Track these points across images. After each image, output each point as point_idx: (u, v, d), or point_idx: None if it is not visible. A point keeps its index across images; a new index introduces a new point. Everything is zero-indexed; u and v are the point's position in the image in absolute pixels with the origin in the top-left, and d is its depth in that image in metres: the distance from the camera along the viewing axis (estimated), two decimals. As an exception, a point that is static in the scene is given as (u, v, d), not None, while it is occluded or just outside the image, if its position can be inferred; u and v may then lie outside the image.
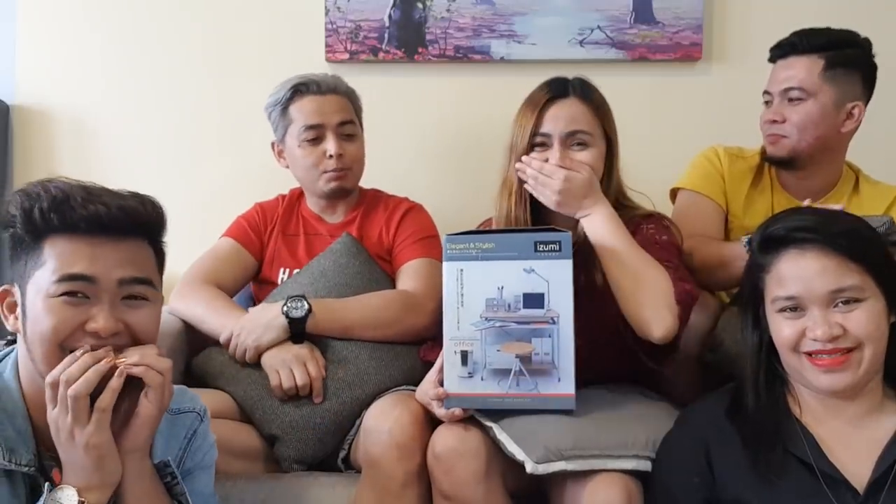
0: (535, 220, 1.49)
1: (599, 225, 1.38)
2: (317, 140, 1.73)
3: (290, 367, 1.50)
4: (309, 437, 1.50)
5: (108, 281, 1.00)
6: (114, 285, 1.00)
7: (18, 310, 1.03)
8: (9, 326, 1.05)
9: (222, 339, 1.59)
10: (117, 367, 0.98)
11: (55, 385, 0.96)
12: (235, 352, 1.56)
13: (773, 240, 1.16)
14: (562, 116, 1.45)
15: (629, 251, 1.36)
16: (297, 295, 1.56)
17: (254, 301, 1.80)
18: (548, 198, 1.40)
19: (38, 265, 1.00)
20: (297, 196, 1.86)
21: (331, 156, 1.72)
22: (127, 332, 1.02)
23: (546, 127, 1.45)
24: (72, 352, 0.99)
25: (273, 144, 1.83)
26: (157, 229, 1.07)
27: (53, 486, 1.00)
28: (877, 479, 1.09)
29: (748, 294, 1.21)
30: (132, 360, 0.99)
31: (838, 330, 1.09)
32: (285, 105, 1.75)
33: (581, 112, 1.46)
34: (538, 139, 1.46)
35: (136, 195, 1.06)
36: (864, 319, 1.09)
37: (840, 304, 1.10)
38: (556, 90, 1.48)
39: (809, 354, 1.11)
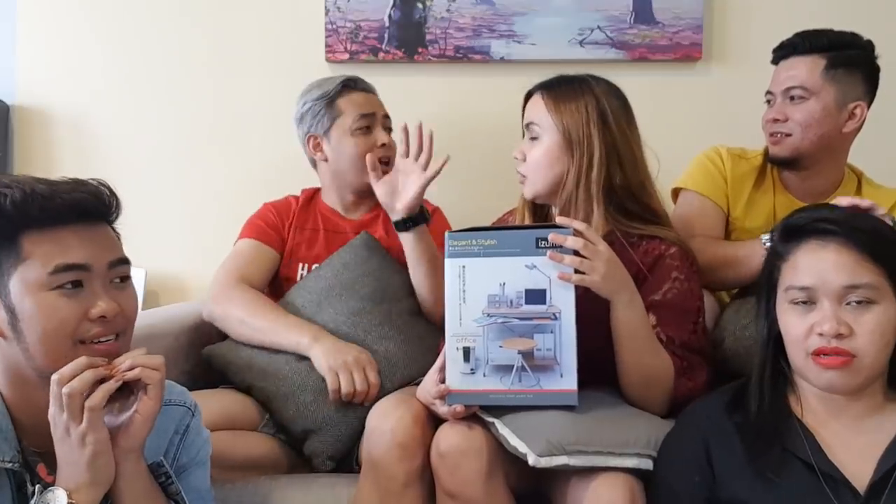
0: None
1: (625, 308, 1.32)
2: (368, 130, 1.79)
3: (350, 370, 1.51)
4: (342, 433, 1.52)
5: (99, 265, 1.02)
6: (104, 268, 1.03)
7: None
8: None
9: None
10: (113, 375, 0.99)
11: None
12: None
13: (794, 229, 1.16)
14: (527, 109, 1.51)
15: (644, 344, 1.34)
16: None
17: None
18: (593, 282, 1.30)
19: (18, 262, 0.99)
20: (312, 195, 1.89)
21: (383, 144, 1.78)
22: (122, 312, 1.04)
23: (525, 120, 1.51)
24: (82, 342, 1.00)
25: (309, 138, 1.83)
26: (117, 213, 1.09)
27: (39, 481, 1.00)
28: (878, 481, 1.08)
29: (763, 283, 1.21)
30: (125, 365, 1.00)
31: (845, 329, 1.09)
32: (333, 97, 1.80)
33: (536, 105, 1.48)
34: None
35: (90, 182, 1.06)
36: (871, 324, 1.09)
37: (853, 303, 1.10)
38: (530, 91, 1.53)
39: (815, 354, 1.11)
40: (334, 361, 1.52)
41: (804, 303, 1.13)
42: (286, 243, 1.82)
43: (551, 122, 1.45)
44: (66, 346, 1.00)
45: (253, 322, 1.63)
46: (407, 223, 1.63)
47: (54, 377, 0.96)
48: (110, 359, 1.01)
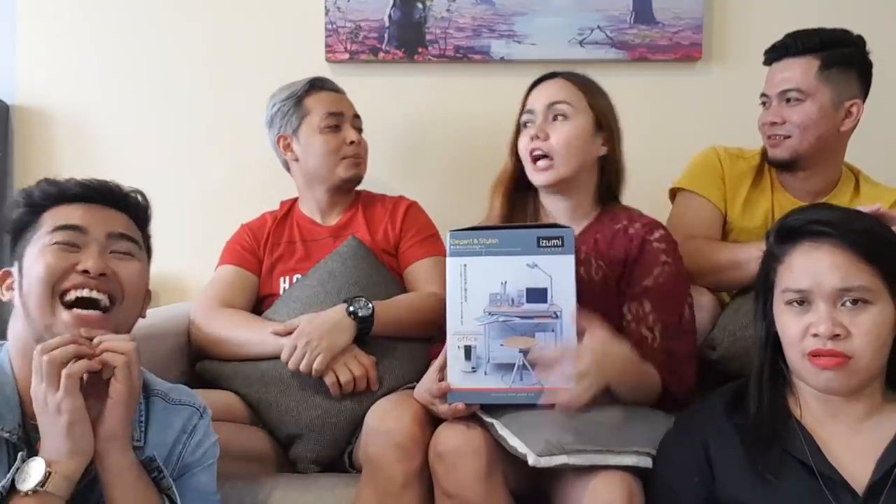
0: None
1: (620, 386, 1.32)
2: (336, 128, 1.79)
3: (342, 362, 1.49)
4: (325, 438, 1.51)
5: (97, 232, 1.11)
6: (103, 236, 1.11)
7: (15, 281, 1.11)
8: (5, 299, 1.14)
9: (284, 353, 1.52)
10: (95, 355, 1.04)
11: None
12: (302, 361, 1.50)
13: (789, 231, 1.16)
14: (544, 92, 1.51)
15: (637, 383, 1.34)
16: (354, 296, 1.56)
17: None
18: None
19: (35, 231, 1.11)
20: (289, 207, 1.88)
21: (352, 142, 1.78)
22: (115, 279, 1.10)
23: (530, 104, 1.52)
24: (66, 305, 1.07)
25: (279, 139, 1.83)
26: (141, 213, 1.20)
27: (36, 455, 1.02)
28: (877, 482, 1.08)
29: (760, 284, 1.21)
30: (101, 347, 1.04)
31: (841, 330, 1.09)
32: (301, 97, 1.80)
33: (563, 87, 1.50)
34: (524, 118, 1.52)
35: (129, 188, 1.20)
36: (867, 325, 1.09)
37: (848, 304, 1.09)
38: (545, 75, 1.54)
39: (811, 355, 1.11)
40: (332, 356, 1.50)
41: (800, 304, 1.13)
42: (262, 264, 1.80)
43: (585, 104, 1.48)
44: (49, 295, 1.06)
45: (238, 336, 1.61)
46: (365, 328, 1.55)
47: (38, 347, 1.01)
48: (91, 332, 1.06)
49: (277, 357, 1.54)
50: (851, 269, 1.09)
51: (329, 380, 1.50)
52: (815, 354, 1.10)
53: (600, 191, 1.54)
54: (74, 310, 1.07)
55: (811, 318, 1.11)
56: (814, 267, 1.11)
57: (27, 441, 1.05)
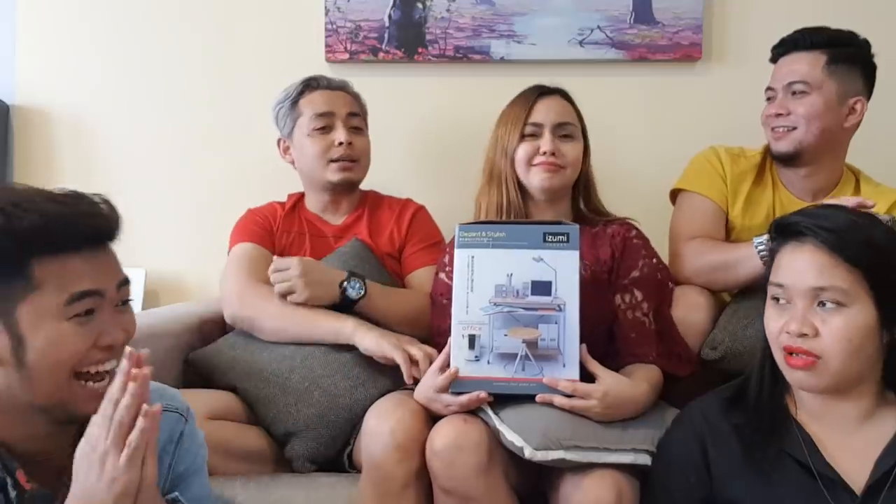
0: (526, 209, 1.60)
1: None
2: (326, 129, 1.76)
3: (409, 345, 1.48)
4: (322, 436, 1.50)
5: (110, 290, 0.99)
6: (114, 293, 1.00)
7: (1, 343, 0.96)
8: None
9: (273, 266, 1.55)
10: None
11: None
12: (283, 282, 1.53)
13: (781, 228, 1.18)
14: (552, 108, 1.58)
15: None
16: (359, 275, 1.57)
17: None
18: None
19: (29, 290, 0.94)
20: (297, 200, 1.87)
21: (340, 143, 1.75)
22: (125, 338, 1.01)
23: (537, 117, 1.56)
24: (81, 378, 0.97)
25: (279, 141, 1.84)
26: (119, 230, 1.04)
27: (17, 486, 0.97)
28: (875, 482, 1.09)
29: (764, 281, 1.22)
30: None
31: (809, 329, 1.09)
32: (295, 99, 1.78)
33: (566, 107, 1.60)
34: (528, 129, 1.56)
35: (98, 201, 1.01)
36: (839, 328, 1.09)
37: (827, 304, 1.10)
38: (544, 89, 1.60)
39: (786, 352, 1.12)
40: (396, 340, 1.49)
41: (783, 301, 1.14)
42: (276, 244, 1.77)
43: (579, 125, 1.61)
44: (66, 377, 0.96)
45: (290, 315, 1.56)
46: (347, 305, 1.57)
47: (106, 399, 0.92)
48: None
49: (327, 344, 1.55)
50: (828, 270, 1.10)
51: (403, 359, 1.45)
52: (789, 351, 1.12)
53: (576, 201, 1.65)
54: (90, 384, 0.97)
55: (787, 316, 1.12)
56: (795, 265, 1.13)
57: (6, 469, 0.97)
